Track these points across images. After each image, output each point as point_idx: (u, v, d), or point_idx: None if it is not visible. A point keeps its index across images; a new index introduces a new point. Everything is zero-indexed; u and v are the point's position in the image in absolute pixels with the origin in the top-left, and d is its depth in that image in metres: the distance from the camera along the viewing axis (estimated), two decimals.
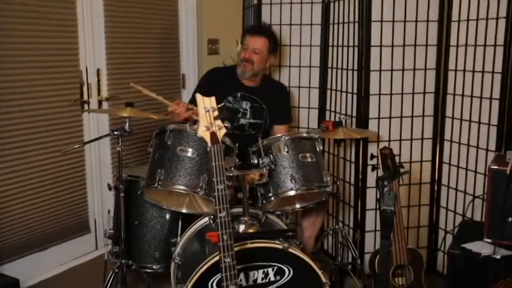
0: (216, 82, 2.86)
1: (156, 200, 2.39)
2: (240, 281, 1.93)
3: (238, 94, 2.87)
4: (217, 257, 1.73)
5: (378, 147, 2.77)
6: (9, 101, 2.64)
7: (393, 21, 2.88)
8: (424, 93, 2.99)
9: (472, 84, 2.75)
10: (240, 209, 2.23)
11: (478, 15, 2.69)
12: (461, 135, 2.85)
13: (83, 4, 2.89)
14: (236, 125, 2.87)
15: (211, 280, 1.90)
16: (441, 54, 2.93)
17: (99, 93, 3.04)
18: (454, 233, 2.75)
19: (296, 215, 3.24)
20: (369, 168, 2.86)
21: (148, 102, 3.26)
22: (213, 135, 1.67)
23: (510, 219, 2.22)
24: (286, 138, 2.28)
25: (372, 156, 2.50)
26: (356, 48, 2.94)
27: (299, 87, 3.36)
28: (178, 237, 2.45)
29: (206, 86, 2.86)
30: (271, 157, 2.24)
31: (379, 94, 2.94)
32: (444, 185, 3.00)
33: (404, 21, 2.89)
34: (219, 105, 1.71)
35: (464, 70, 2.79)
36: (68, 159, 2.91)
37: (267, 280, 1.99)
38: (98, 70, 3.02)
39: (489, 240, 2.26)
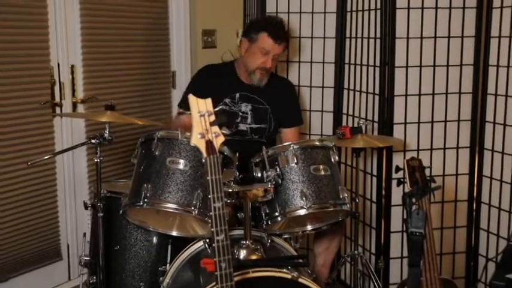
0: (210, 82, 2.89)
1: (141, 221, 2.40)
2: None
3: (237, 95, 2.90)
4: None
5: (404, 157, 2.79)
6: None
7: (422, 8, 2.90)
8: (460, 93, 3.00)
9: None
10: (241, 232, 2.24)
11: None
12: (504, 143, 2.87)
13: None
14: (234, 131, 2.89)
15: None
16: (480, 47, 2.95)
17: (73, 94, 3.07)
18: (497, 261, 2.75)
19: (307, 239, 3.25)
20: (394, 182, 2.87)
21: (132, 106, 3.28)
22: (209, 143, 1.69)
23: None
24: (295, 147, 2.29)
25: (398, 169, 2.51)
26: (378, 41, 2.97)
27: (310, 86, 3.38)
28: (168, 265, 2.46)
29: (198, 88, 2.88)
30: (278, 170, 2.25)
31: (406, 95, 2.96)
32: (485, 203, 3.01)
33: (436, 7, 2.92)
34: (216, 109, 1.73)
35: (508, 66, 2.81)
36: (36, 172, 2.93)
37: None
38: (72, 67, 3.05)
39: None
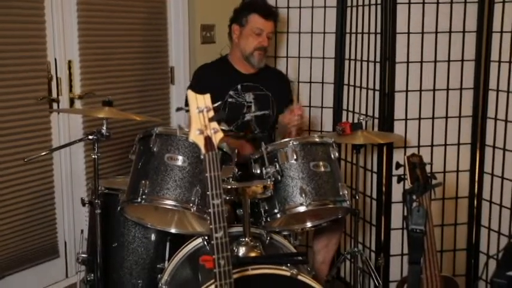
0: (210, 81, 2.92)
1: (139, 218, 2.40)
2: None
3: (239, 86, 2.94)
4: (213, 286, 1.75)
5: (405, 154, 2.79)
6: None
7: (423, 2, 2.90)
8: (461, 89, 3.01)
9: None
10: (240, 229, 2.24)
11: None
12: (506, 139, 2.87)
13: None
14: (240, 123, 2.91)
15: None
16: (482, 43, 2.96)
17: (70, 90, 3.06)
18: (498, 258, 2.76)
19: (307, 236, 3.25)
20: (394, 179, 2.87)
21: (130, 101, 3.28)
22: (208, 140, 1.69)
23: None
24: (294, 143, 2.29)
25: (398, 165, 2.51)
26: (379, 36, 2.96)
27: (310, 82, 3.38)
28: (166, 262, 2.47)
29: (200, 88, 2.90)
30: (277, 166, 2.25)
31: (406, 91, 2.96)
32: (486, 200, 3.01)
33: (437, 2, 2.91)
34: (215, 104, 1.73)
35: (510, 61, 2.81)
36: (32, 168, 2.93)
37: None
38: (70, 62, 3.04)
39: None
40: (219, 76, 2.96)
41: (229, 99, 2.92)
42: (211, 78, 2.95)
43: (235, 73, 2.99)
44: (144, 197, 2.20)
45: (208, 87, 2.82)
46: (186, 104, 2.91)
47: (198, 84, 2.95)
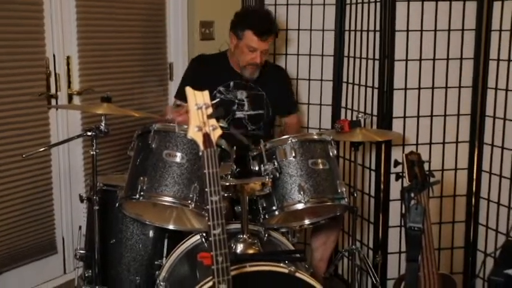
0: (204, 72, 2.91)
1: (138, 214, 2.41)
2: None
3: (231, 83, 2.93)
4: (211, 283, 1.75)
5: (403, 151, 2.79)
6: None
7: (422, 0, 2.90)
8: (460, 87, 3.01)
9: None
10: (238, 225, 2.24)
11: None
12: (504, 137, 2.87)
13: None
14: (231, 119, 2.90)
15: None
16: (481, 41, 2.96)
17: (69, 86, 3.06)
18: (495, 256, 2.76)
19: (305, 233, 3.26)
20: (393, 177, 2.88)
21: (128, 97, 3.28)
22: (206, 136, 1.69)
23: None
24: (293, 140, 2.30)
25: (396, 163, 2.52)
26: (378, 34, 2.97)
27: (309, 79, 3.38)
28: (164, 259, 2.47)
29: (191, 78, 2.91)
30: (276, 163, 2.25)
31: (405, 88, 2.97)
32: (483, 198, 3.02)
33: (436, 0, 2.92)
34: (214, 101, 1.73)
35: (509, 60, 2.81)
36: (31, 164, 2.93)
37: None
38: (68, 58, 3.04)
39: None
40: (214, 69, 2.95)
41: (218, 95, 2.91)
42: (205, 69, 2.94)
43: (230, 70, 2.97)
44: (142, 193, 2.20)
45: (200, 77, 2.83)
46: (178, 94, 2.92)
47: (192, 73, 2.95)
